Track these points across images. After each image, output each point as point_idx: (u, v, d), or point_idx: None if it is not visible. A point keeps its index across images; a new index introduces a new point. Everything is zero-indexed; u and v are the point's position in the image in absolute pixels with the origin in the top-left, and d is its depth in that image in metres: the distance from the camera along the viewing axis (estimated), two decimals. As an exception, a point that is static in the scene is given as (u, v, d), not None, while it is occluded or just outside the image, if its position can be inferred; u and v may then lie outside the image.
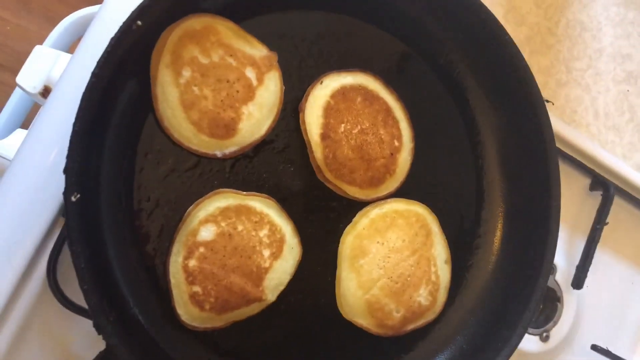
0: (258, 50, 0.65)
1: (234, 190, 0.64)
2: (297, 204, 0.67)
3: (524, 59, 0.69)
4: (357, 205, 0.69)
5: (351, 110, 0.68)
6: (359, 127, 0.68)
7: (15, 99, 0.77)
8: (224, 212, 0.62)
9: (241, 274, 0.62)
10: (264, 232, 0.64)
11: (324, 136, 0.67)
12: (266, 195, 0.65)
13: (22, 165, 0.64)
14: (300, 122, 0.67)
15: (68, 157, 0.52)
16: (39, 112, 0.67)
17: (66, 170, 0.51)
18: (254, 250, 0.63)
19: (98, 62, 0.54)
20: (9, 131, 0.72)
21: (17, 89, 0.84)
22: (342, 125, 0.68)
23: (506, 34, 0.69)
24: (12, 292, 0.61)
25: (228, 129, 0.63)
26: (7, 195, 0.62)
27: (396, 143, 0.70)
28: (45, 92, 0.70)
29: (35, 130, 0.66)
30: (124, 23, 0.53)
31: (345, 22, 0.71)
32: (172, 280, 0.61)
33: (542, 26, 1.05)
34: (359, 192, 0.68)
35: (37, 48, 0.69)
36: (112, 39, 0.53)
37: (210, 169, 0.65)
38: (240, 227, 0.63)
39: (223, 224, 0.62)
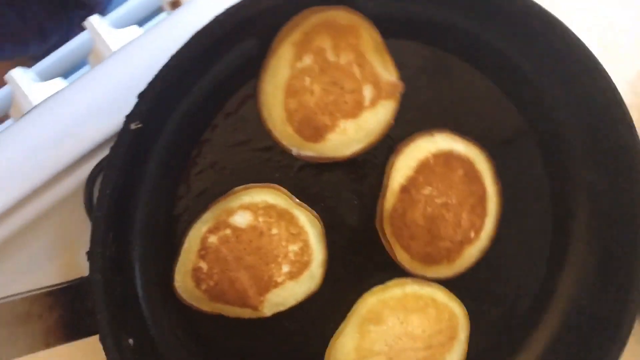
0: (388, 73, 0.59)
1: (289, 194, 0.59)
2: (341, 238, 0.62)
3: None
4: (398, 271, 0.63)
5: (446, 178, 0.61)
6: (444, 198, 0.61)
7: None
8: (268, 208, 0.58)
9: (251, 275, 0.58)
10: (294, 247, 0.59)
11: (405, 189, 0.61)
12: (316, 214, 0.60)
13: (122, 61, 0.63)
14: (390, 162, 0.61)
15: (151, 83, 0.49)
16: (160, 22, 0.65)
17: (141, 96, 0.49)
18: (275, 260, 0.59)
19: (231, 8, 0.50)
20: (124, 25, 0.71)
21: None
22: (429, 188, 0.61)
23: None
24: (49, 179, 0.60)
25: (316, 133, 0.59)
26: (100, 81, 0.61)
27: (472, 234, 0.63)
28: (174, 4, 0.68)
29: (150, 35, 0.64)
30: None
31: (478, 78, 0.63)
32: (186, 244, 0.58)
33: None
34: (407, 261, 0.62)
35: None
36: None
37: (279, 160, 0.60)
38: (274, 231, 0.59)
39: (261, 219, 0.58)
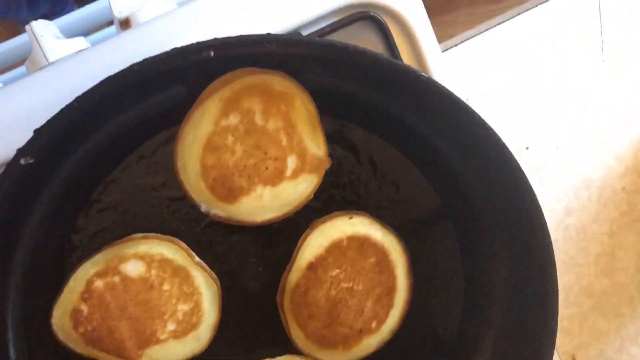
0: (316, 147, 0.57)
1: (189, 251, 0.56)
2: (238, 303, 0.60)
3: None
4: (291, 349, 0.60)
5: (357, 263, 0.59)
6: (351, 284, 0.59)
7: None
8: (164, 262, 0.56)
9: (133, 327, 0.56)
10: (183, 307, 0.57)
11: (312, 267, 0.58)
12: (215, 276, 0.58)
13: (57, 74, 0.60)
14: (303, 236, 0.59)
15: (50, 121, 0.46)
16: (105, 43, 0.62)
17: (37, 132, 0.46)
18: (161, 316, 0.56)
19: (151, 59, 0.47)
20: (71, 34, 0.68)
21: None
22: (337, 270, 0.59)
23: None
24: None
25: (230, 194, 0.56)
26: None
27: (373, 325, 0.61)
28: (125, 24, 0.65)
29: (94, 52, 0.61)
30: (197, 44, 0.47)
31: (402, 162, 0.62)
32: (70, 283, 0.55)
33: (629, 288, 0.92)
34: (302, 339, 0.60)
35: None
36: (176, 49, 0.47)
37: (187, 213, 0.58)
38: (166, 286, 0.56)
39: (154, 272, 0.55)
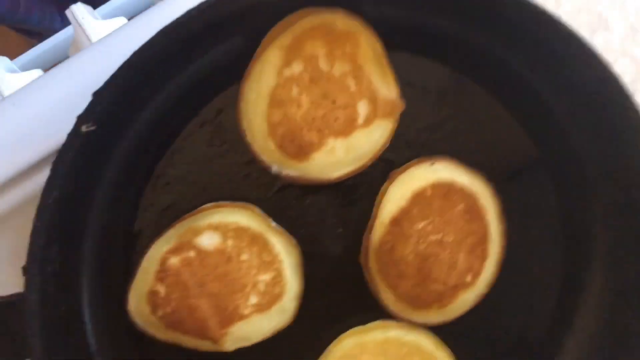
0: (387, 89, 0.52)
1: (265, 216, 0.53)
2: (321, 270, 0.55)
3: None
4: (382, 312, 0.56)
5: (444, 212, 0.54)
6: (440, 235, 0.54)
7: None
8: (240, 231, 0.52)
9: (214, 304, 0.52)
10: (265, 277, 0.53)
11: (396, 221, 0.54)
12: (294, 242, 0.54)
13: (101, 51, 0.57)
14: (382, 189, 0.54)
15: (109, 81, 0.43)
16: (147, 11, 0.59)
17: (96, 94, 0.43)
18: (243, 289, 0.52)
19: (207, 2, 0.44)
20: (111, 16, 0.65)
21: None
22: (424, 222, 0.54)
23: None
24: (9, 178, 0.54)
25: (301, 150, 0.52)
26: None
27: (469, 278, 0.56)
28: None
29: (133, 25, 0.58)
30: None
31: (489, 102, 0.56)
32: (144, 264, 0.51)
33: None
34: (393, 302, 0.55)
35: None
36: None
37: (257, 177, 0.54)
38: (244, 256, 0.52)
39: (230, 242, 0.52)
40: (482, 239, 0.55)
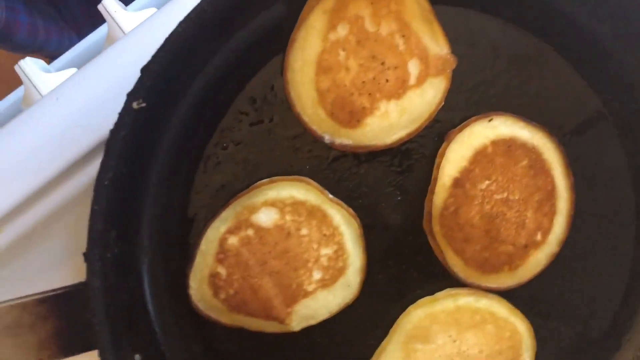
0: (437, 46, 0.50)
1: (321, 188, 0.51)
2: (382, 241, 0.53)
3: None
4: (450, 280, 0.53)
5: (507, 170, 0.52)
6: (505, 194, 0.52)
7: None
8: (297, 205, 0.50)
9: (277, 282, 0.50)
10: (327, 251, 0.51)
11: (458, 183, 0.51)
12: (353, 213, 0.52)
13: (136, 41, 0.56)
14: (440, 151, 0.52)
15: (156, 55, 0.41)
16: None
17: (144, 70, 0.41)
18: (305, 265, 0.50)
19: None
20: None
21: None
22: (487, 182, 0.52)
23: None
24: (59, 174, 0.54)
25: (352, 117, 0.50)
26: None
27: (539, 237, 0.53)
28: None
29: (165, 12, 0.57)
30: None
31: (547, 54, 0.53)
32: (202, 246, 0.50)
33: None
34: (461, 267, 0.53)
35: None
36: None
37: (309, 150, 0.52)
38: (304, 231, 0.50)
39: (288, 218, 0.50)
40: (549, 195, 0.53)
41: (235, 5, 0.43)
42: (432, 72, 0.50)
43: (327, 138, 0.51)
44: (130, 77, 0.48)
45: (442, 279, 0.54)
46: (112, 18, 0.62)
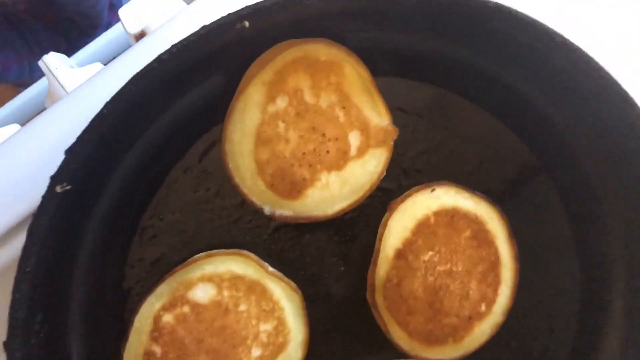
0: (378, 117, 0.50)
1: (260, 261, 0.49)
2: (325, 313, 0.52)
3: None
4: (394, 352, 0.52)
5: (451, 241, 0.51)
6: (449, 265, 0.51)
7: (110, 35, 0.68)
8: (235, 280, 0.49)
9: (215, 361, 0.48)
10: (266, 327, 0.49)
11: (400, 254, 0.51)
12: (294, 286, 0.50)
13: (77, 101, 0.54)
14: (382, 221, 0.51)
15: (81, 136, 0.40)
16: (122, 55, 0.57)
17: (69, 152, 0.40)
18: (244, 342, 0.49)
19: (179, 44, 0.41)
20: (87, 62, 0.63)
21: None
22: (430, 253, 0.51)
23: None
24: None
25: (293, 188, 0.49)
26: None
27: (483, 308, 0.52)
28: (140, 36, 0.60)
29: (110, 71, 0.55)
30: (227, 17, 0.40)
31: (484, 119, 0.53)
32: (136, 323, 0.48)
33: None
34: (405, 340, 0.52)
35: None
36: (205, 28, 0.41)
37: (250, 220, 0.51)
38: (243, 307, 0.49)
39: (226, 293, 0.48)
40: (494, 265, 0.52)
41: (171, 79, 0.42)
42: (373, 143, 0.50)
43: (267, 209, 0.50)
44: (67, 142, 0.46)
45: (386, 350, 0.52)
46: (54, 75, 0.61)
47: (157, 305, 0.48)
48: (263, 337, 0.49)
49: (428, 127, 0.52)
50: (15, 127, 0.66)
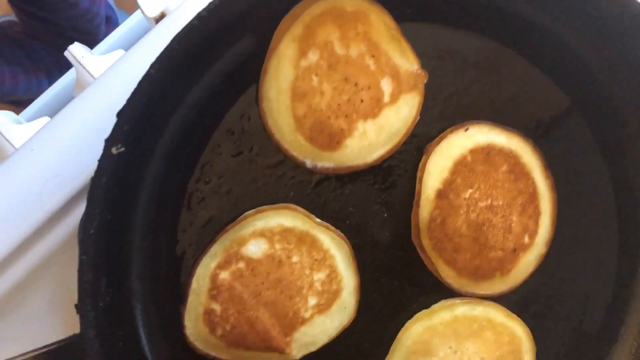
0: (407, 62, 0.51)
1: (307, 213, 0.51)
2: (373, 258, 0.53)
3: None
4: (445, 291, 0.54)
5: (489, 177, 0.52)
6: (489, 200, 0.53)
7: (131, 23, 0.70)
8: (285, 233, 0.50)
9: (273, 312, 0.50)
10: (319, 276, 0.51)
11: (441, 194, 0.52)
12: (341, 234, 0.52)
13: (106, 85, 0.56)
14: (420, 165, 0.53)
15: (130, 99, 0.41)
16: (145, 36, 0.58)
17: (120, 114, 0.41)
18: (300, 292, 0.50)
19: (216, 1, 0.43)
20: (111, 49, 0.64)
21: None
22: (470, 190, 0.52)
23: None
24: (40, 224, 0.53)
25: (332, 139, 0.50)
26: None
27: (526, 239, 0.54)
28: (160, 18, 0.61)
29: (134, 53, 0.57)
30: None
31: (513, 58, 0.54)
32: (194, 284, 0.50)
33: None
34: (454, 278, 0.53)
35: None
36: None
37: (292, 176, 0.52)
38: (295, 258, 0.50)
39: (278, 246, 0.50)
40: (532, 197, 0.54)
41: (205, 42, 0.44)
42: (405, 89, 0.51)
43: (308, 163, 0.51)
44: (103, 122, 0.48)
45: (436, 290, 0.54)
46: (80, 64, 0.62)
47: (213, 265, 0.49)
48: (317, 286, 0.51)
49: (456, 69, 0.53)
50: (46, 119, 0.68)
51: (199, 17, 0.41)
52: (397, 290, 0.54)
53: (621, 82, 0.53)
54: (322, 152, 0.51)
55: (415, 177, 0.53)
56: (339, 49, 0.49)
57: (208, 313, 0.49)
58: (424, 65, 0.51)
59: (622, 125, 0.55)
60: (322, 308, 0.51)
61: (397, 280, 0.54)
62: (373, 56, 0.50)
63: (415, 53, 0.51)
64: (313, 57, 0.49)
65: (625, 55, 0.51)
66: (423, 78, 0.51)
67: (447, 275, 0.53)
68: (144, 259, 0.48)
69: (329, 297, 0.51)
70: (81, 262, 0.41)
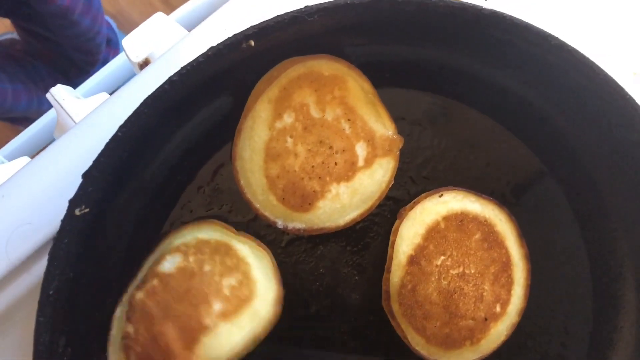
0: (383, 127, 0.51)
1: (226, 225, 0.50)
2: (343, 321, 0.53)
3: None
4: (413, 358, 0.53)
5: (461, 244, 0.52)
6: (461, 268, 0.52)
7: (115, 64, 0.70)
8: (200, 245, 0.48)
9: (177, 325, 0.47)
10: (230, 281, 0.48)
11: (413, 260, 0.51)
12: (264, 246, 0.50)
13: (86, 131, 0.56)
14: (393, 229, 0.52)
15: (97, 160, 0.41)
16: (128, 83, 0.58)
17: (86, 175, 0.41)
18: (205, 300, 0.47)
19: (189, 66, 0.43)
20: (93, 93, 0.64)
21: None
22: (442, 257, 0.52)
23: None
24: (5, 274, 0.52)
25: (304, 201, 0.50)
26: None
27: (498, 309, 0.53)
28: (144, 64, 0.61)
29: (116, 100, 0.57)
30: (234, 37, 0.42)
31: (488, 125, 0.54)
32: (117, 312, 0.48)
33: None
34: (422, 345, 0.52)
35: (159, 15, 0.61)
36: (213, 49, 0.42)
37: (263, 235, 0.52)
38: (207, 267, 0.48)
39: (191, 259, 0.48)
40: (505, 266, 0.53)
41: (176, 105, 0.44)
42: (380, 153, 0.51)
43: (280, 223, 0.51)
44: (81, 169, 0.47)
45: (405, 355, 0.53)
46: (62, 107, 0.62)
47: (131, 288, 0.48)
48: (226, 291, 0.48)
49: (432, 134, 0.53)
50: (25, 159, 0.67)
51: (170, 81, 0.41)
52: (366, 355, 0.53)
53: (592, 148, 0.53)
54: (294, 213, 0.50)
55: (388, 240, 0.52)
56: (314, 112, 0.49)
57: (125, 337, 0.47)
58: (400, 130, 0.51)
59: (596, 192, 0.55)
60: (228, 314, 0.48)
61: (366, 344, 0.53)
62: (349, 120, 0.50)
63: (392, 118, 0.51)
64: (288, 119, 0.49)
65: (597, 122, 0.51)
66: (398, 143, 0.51)
67: (417, 342, 0.52)
68: (110, 310, 0.47)
69: (238, 304, 0.48)
70: (38, 324, 0.41)
